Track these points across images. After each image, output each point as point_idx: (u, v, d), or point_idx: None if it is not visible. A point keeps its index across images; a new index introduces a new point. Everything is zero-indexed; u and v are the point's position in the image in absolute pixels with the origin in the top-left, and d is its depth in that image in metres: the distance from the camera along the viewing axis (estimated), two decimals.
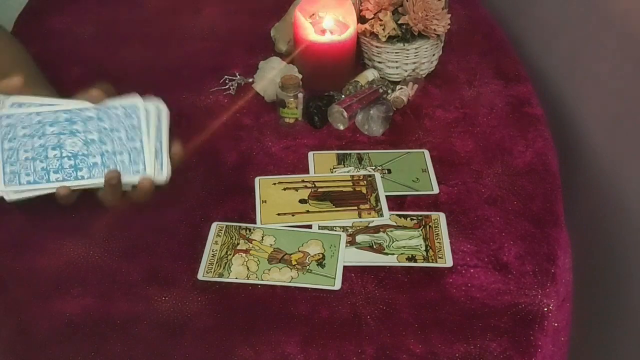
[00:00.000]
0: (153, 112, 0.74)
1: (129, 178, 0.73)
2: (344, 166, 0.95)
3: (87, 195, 0.90)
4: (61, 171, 0.74)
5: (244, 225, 0.87)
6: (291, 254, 0.83)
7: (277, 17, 1.16)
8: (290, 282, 0.80)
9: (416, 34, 1.04)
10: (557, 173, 0.94)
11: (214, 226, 0.86)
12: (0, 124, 0.73)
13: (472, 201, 0.90)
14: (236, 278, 0.80)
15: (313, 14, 1.07)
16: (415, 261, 0.82)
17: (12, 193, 0.73)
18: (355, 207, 0.89)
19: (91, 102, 0.74)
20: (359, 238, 0.85)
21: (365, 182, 0.92)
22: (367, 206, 0.89)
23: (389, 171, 0.94)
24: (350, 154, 0.97)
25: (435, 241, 0.84)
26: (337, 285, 0.80)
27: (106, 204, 0.74)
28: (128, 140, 0.74)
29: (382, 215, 0.88)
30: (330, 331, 0.75)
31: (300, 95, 1.00)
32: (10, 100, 0.73)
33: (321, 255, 0.83)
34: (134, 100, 0.74)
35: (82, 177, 0.73)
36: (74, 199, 0.74)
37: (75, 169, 0.74)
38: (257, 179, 0.93)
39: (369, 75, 1.06)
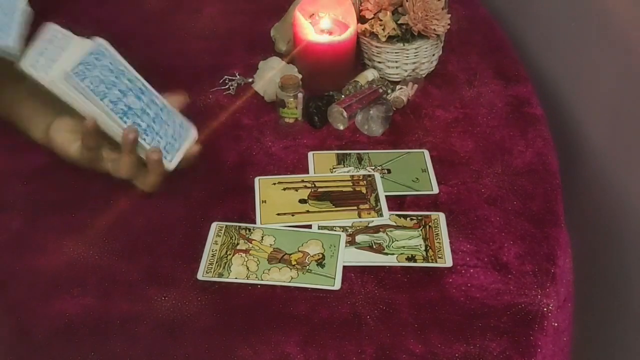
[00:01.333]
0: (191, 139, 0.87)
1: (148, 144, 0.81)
2: (344, 166, 0.95)
3: (87, 194, 0.90)
4: (114, 105, 0.80)
5: (243, 225, 0.87)
6: (291, 254, 0.83)
7: (277, 17, 1.16)
8: (290, 282, 0.80)
9: (416, 34, 1.04)
10: (557, 173, 0.94)
11: (214, 226, 0.86)
12: (99, 45, 0.82)
13: (472, 201, 0.90)
14: (236, 278, 0.80)
15: (313, 14, 1.07)
16: (415, 261, 0.82)
17: (65, 83, 0.78)
18: (355, 207, 0.89)
19: (172, 104, 0.86)
20: (359, 238, 0.85)
21: (365, 182, 0.92)
22: (366, 206, 0.89)
23: (389, 171, 0.94)
24: (350, 154, 0.97)
25: (435, 241, 0.85)
26: (337, 285, 0.80)
27: (118, 174, 0.82)
28: (171, 136, 0.84)
29: (381, 215, 0.88)
30: (330, 331, 0.75)
31: (300, 95, 1.00)
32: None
33: (321, 255, 0.83)
34: (192, 126, 0.88)
35: (125, 123, 0.80)
36: (94, 144, 0.81)
37: (125, 114, 0.80)
38: (256, 179, 0.93)
39: (369, 75, 1.06)
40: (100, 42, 0.83)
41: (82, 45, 0.81)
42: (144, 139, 0.81)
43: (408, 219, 0.88)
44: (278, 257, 0.83)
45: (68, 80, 0.78)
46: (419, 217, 0.88)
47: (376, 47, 1.06)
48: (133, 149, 0.81)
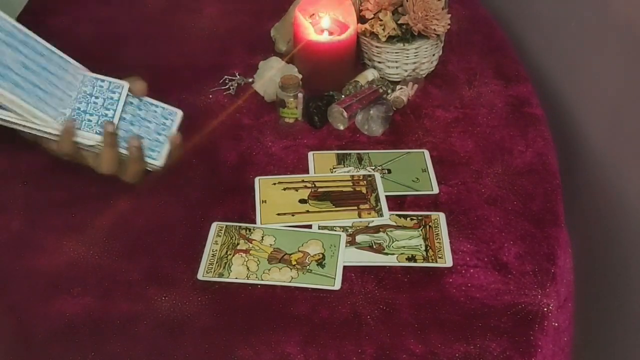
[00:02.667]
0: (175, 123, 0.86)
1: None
2: (344, 166, 0.95)
3: (87, 194, 0.90)
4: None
5: (244, 225, 0.87)
6: (291, 254, 0.83)
7: (277, 17, 1.16)
8: (290, 282, 0.80)
9: (416, 34, 1.04)
10: (557, 173, 0.94)
11: (214, 226, 0.86)
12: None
13: (472, 201, 0.90)
14: (236, 278, 0.80)
15: (313, 14, 1.07)
16: (415, 261, 0.82)
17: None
18: (355, 207, 0.89)
19: (134, 92, 0.84)
20: (359, 238, 0.85)
21: (365, 182, 0.92)
22: (367, 206, 0.89)
23: (389, 171, 0.94)
24: (350, 154, 0.97)
25: (435, 241, 0.85)
26: (337, 285, 0.80)
27: (100, 169, 0.82)
28: (154, 132, 0.83)
29: (382, 215, 0.88)
30: (330, 331, 0.75)
31: (300, 95, 1.00)
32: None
33: (321, 255, 0.83)
34: (176, 110, 0.87)
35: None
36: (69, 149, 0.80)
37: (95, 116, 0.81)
38: (257, 179, 0.93)
39: (369, 75, 1.06)
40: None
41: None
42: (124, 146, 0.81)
43: (408, 219, 0.88)
44: (278, 257, 0.83)
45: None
46: (419, 217, 0.88)
47: (376, 47, 1.06)
48: (113, 142, 0.80)
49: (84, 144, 0.80)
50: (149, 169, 0.84)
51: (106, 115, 0.81)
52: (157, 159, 0.83)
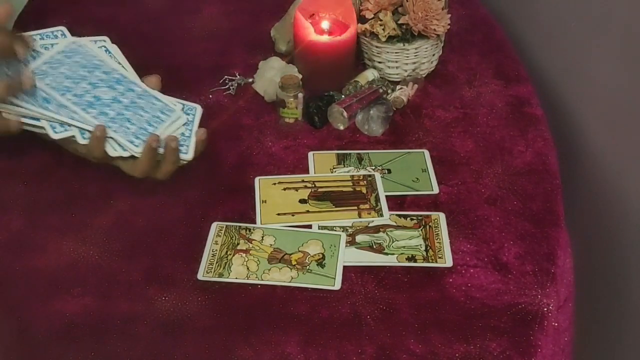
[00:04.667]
0: (196, 119, 0.85)
1: (124, 142, 0.78)
2: (344, 166, 0.95)
3: (87, 194, 0.90)
4: (78, 98, 0.79)
5: (244, 225, 0.87)
6: (291, 254, 0.83)
7: (277, 17, 1.16)
8: (290, 282, 0.80)
9: (416, 34, 1.04)
10: (557, 173, 0.94)
11: (214, 226, 0.86)
12: (72, 42, 0.83)
13: (472, 201, 0.90)
14: (236, 278, 0.80)
15: (313, 14, 1.07)
16: (415, 261, 0.82)
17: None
18: (355, 207, 0.89)
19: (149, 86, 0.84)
20: (359, 238, 0.85)
21: (365, 182, 0.92)
22: (367, 206, 0.89)
23: (389, 171, 0.94)
24: (350, 154, 0.97)
25: (435, 241, 0.85)
26: (337, 285, 0.80)
27: (134, 173, 0.81)
28: (145, 122, 0.81)
29: (382, 215, 0.88)
30: (330, 331, 0.75)
31: (300, 95, 1.00)
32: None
33: (321, 255, 0.83)
34: (178, 108, 0.84)
35: (88, 113, 0.78)
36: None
37: (90, 105, 0.80)
38: (257, 179, 0.93)
39: (369, 75, 1.06)
40: (76, 40, 0.84)
41: (59, 45, 0.83)
42: (110, 127, 0.79)
43: (408, 219, 0.88)
44: (278, 257, 0.83)
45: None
46: (419, 217, 0.88)
47: (376, 47, 1.06)
48: (154, 155, 0.79)
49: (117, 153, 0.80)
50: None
51: (145, 129, 0.80)
52: (187, 152, 0.82)
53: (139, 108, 0.82)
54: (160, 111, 0.83)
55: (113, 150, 0.79)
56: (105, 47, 0.85)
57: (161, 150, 0.80)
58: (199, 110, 0.86)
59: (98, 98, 0.80)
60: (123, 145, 0.79)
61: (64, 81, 0.80)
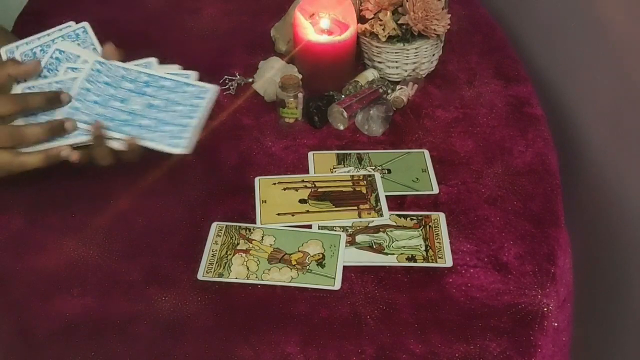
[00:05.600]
0: (213, 97, 0.85)
1: (161, 147, 0.79)
2: (344, 166, 0.95)
3: (87, 194, 0.90)
4: (110, 120, 0.81)
5: (244, 225, 0.87)
6: (291, 254, 0.83)
7: (277, 17, 1.16)
8: (290, 282, 0.80)
9: (416, 34, 1.04)
10: (557, 173, 0.94)
11: (214, 226, 0.86)
12: (92, 67, 0.84)
13: (472, 201, 0.90)
14: (236, 278, 0.80)
15: (313, 14, 1.07)
16: (415, 261, 0.82)
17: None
18: (355, 207, 0.89)
19: (105, 58, 0.85)
20: (359, 238, 0.85)
21: (365, 182, 0.92)
22: (367, 206, 0.89)
23: (389, 171, 0.94)
24: (350, 154, 0.97)
25: (435, 241, 0.85)
26: (337, 285, 0.80)
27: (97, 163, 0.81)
28: (183, 115, 0.82)
29: (382, 215, 0.88)
30: (330, 331, 0.75)
31: (300, 95, 1.00)
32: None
33: (321, 255, 0.83)
34: (209, 87, 0.85)
35: (123, 133, 0.80)
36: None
37: (125, 123, 0.81)
38: (257, 179, 0.93)
39: (369, 75, 1.06)
40: (95, 61, 0.85)
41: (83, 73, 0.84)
42: (145, 137, 0.80)
43: (408, 219, 0.88)
44: (278, 257, 0.83)
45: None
46: (419, 217, 0.88)
47: (376, 47, 1.06)
48: (101, 142, 0.80)
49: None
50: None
51: (183, 124, 0.81)
52: (183, 145, 0.81)
53: (173, 104, 0.83)
54: (195, 97, 0.84)
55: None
56: (84, 28, 0.88)
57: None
58: (212, 92, 0.85)
59: (132, 112, 0.82)
60: (163, 150, 0.80)
61: (96, 108, 0.81)
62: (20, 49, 0.86)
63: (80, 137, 0.80)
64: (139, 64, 0.86)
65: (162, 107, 0.83)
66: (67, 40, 0.87)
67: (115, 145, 0.80)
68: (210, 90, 0.84)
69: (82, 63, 0.85)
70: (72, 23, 0.89)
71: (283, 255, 0.83)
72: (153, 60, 0.87)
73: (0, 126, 0.78)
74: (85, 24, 0.89)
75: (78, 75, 0.84)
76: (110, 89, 0.83)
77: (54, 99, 0.81)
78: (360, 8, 1.06)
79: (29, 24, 1.23)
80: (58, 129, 0.79)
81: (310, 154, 0.97)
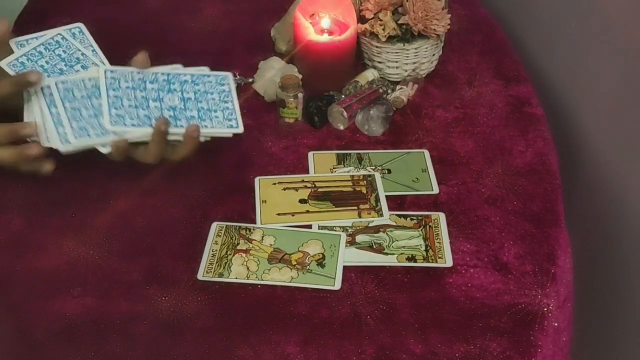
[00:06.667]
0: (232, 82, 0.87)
1: (222, 131, 0.83)
2: (344, 166, 0.95)
3: (87, 194, 0.90)
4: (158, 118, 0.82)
5: (244, 225, 0.87)
6: (291, 254, 0.83)
7: (277, 17, 1.16)
8: (290, 282, 0.80)
9: (416, 34, 1.04)
10: (557, 173, 0.94)
11: (214, 226, 0.86)
12: (106, 76, 0.82)
13: (472, 201, 0.90)
14: (236, 278, 0.80)
15: (313, 14, 1.07)
16: (415, 261, 0.82)
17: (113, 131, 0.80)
18: (355, 207, 0.89)
19: (137, 66, 0.84)
20: (359, 238, 0.85)
21: (365, 182, 0.92)
22: (367, 206, 0.89)
23: (389, 171, 0.94)
24: (350, 154, 0.97)
25: (435, 241, 0.85)
26: (337, 285, 0.80)
27: (146, 159, 0.82)
28: (221, 101, 0.85)
29: (382, 215, 0.88)
30: (330, 331, 0.75)
31: (300, 95, 1.00)
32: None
33: (321, 255, 0.83)
34: (225, 73, 0.87)
35: (182, 127, 0.82)
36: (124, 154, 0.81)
37: (175, 119, 0.82)
38: (257, 179, 0.93)
39: (369, 75, 1.06)
40: (105, 71, 0.84)
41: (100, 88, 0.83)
42: (206, 126, 0.82)
43: (408, 219, 0.88)
44: (278, 257, 0.83)
45: (114, 129, 0.80)
46: (419, 217, 0.88)
47: (376, 47, 1.06)
48: (162, 139, 0.81)
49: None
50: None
51: (227, 108, 0.85)
52: (238, 125, 0.84)
53: (205, 93, 0.85)
54: (219, 84, 0.86)
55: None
56: (79, 29, 0.88)
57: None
58: (230, 77, 0.87)
59: (174, 108, 0.82)
60: (221, 134, 0.83)
61: (138, 112, 0.81)
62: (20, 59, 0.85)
63: (136, 132, 0.80)
64: (164, 71, 0.86)
65: (197, 98, 0.84)
66: (50, 49, 0.86)
67: (174, 138, 0.81)
68: (229, 76, 0.87)
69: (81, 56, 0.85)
70: (63, 28, 0.88)
71: (283, 255, 0.83)
72: (179, 66, 0.87)
73: None
74: (80, 25, 0.89)
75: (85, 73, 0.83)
76: (138, 92, 0.83)
77: (22, 81, 0.79)
78: (360, 8, 1.06)
79: (29, 24, 1.23)
80: (24, 83, 0.78)
81: (310, 154, 0.97)
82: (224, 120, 0.84)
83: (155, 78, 0.84)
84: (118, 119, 0.80)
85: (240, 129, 0.84)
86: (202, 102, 0.84)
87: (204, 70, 0.87)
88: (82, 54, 0.85)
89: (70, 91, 0.81)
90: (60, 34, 0.86)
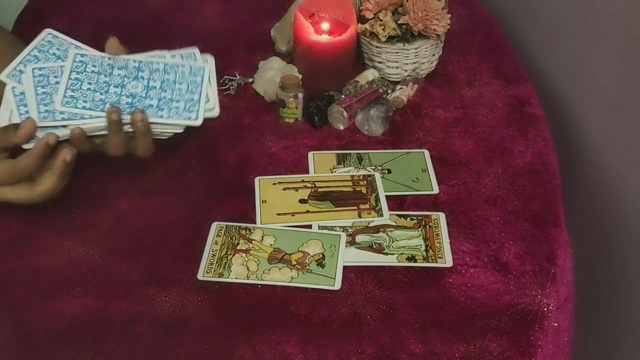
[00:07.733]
0: (212, 71, 0.86)
1: (180, 121, 0.81)
2: (344, 166, 0.95)
3: (87, 194, 0.90)
4: (116, 104, 0.80)
5: (244, 225, 0.87)
6: (291, 254, 0.83)
7: (277, 17, 1.16)
8: (290, 282, 0.80)
9: (416, 34, 1.04)
10: (557, 173, 0.94)
11: (214, 226, 0.86)
12: (75, 59, 0.82)
13: (472, 201, 0.90)
14: (236, 278, 0.80)
15: (313, 14, 1.07)
16: (415, 261, 0.82)
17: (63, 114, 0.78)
18: (355, 207, 0.89)
19: (109, 52, 0.84)
20: (359, 238, 0.85)
21: (365, 182, 0.92)
22: (367, 206, 0.89)
23: (389, 171, 0.94)
24: (350, 154, 0.97)
25: (435, 241, 0.85)
26: (337, 285, 0.80)
27: (110, 152, 0.80)
28: (188, 92, 0.83)
29: (382, 215, 0.88)
30: (330, 331, 0.75)
31: (300, 95, 1.00)
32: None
33: (321, 255, 0.83)
34: (201, 64, 0.86)
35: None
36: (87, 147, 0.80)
37: (131, 106, 0.80)
38: (257, 179, 0.93)
39: (369, 75, 1.06)
40: (75, 54, 0.83)
41: (64, 70, 0.82)
42: (161, 116, 0.81)
43: (408, 219, 0.88)
44: (278, 257, 0.83)
45: (63, 109, 0.79)
46: (419, 217, 0.88)
47: (376, 47, 1.06)
48: (118, 129, 0.79)
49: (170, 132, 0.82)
50: (164, 137, 0.83)
51: (191, 99, 0.83)
52: (197, 118, 0.82)
53: (173, 83, 0.83)
54: (192, 74, 0.85)
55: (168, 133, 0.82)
56: (52, 34, 0.85)
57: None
58: (207, 67, 0.86)
59: (133, 95, 0.81)
60: (182, 124, 0.81)
61: (95, 95, 0.80)
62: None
63: (90, 124, 0.79)
64: (138, 58, 0.85)
65: (163, 87, 0.83)
66: (43, 51, 0.85)
67: (128, 128, 0.80)
68: (204, 68, 0.85)
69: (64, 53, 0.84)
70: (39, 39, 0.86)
71: (283, 255, 0.83)
72: (164, 52, 0.87)
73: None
74: (49, 30, 0.86)
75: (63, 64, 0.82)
76: (102, 77, 0.82)
77: (43, 151, 0.77)
78: (360, 8, 1.06)
79: (29, 24, 1.23)
80: (44, 150, 0.77)
81: (310, 154, 0.97)
82: (183, 111, 0.81)
83: (125, 65, 0.83)
84: (70, 100, 0.79)
85: (199, 122, 0.81)
86: (167, 92, 0.82)
87: (192, 50, 0.87)
88: (109, 57, 0.84)
89: (46, 77, 0.80)
90: (50, 34, 0.85)
